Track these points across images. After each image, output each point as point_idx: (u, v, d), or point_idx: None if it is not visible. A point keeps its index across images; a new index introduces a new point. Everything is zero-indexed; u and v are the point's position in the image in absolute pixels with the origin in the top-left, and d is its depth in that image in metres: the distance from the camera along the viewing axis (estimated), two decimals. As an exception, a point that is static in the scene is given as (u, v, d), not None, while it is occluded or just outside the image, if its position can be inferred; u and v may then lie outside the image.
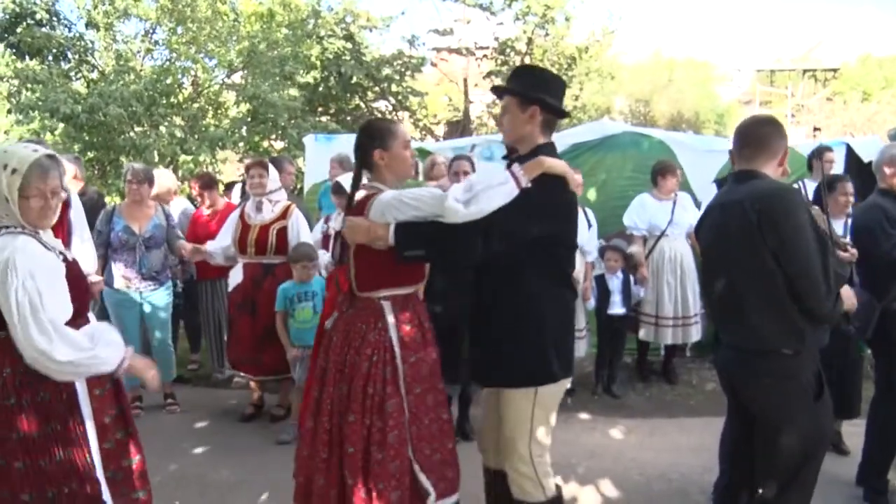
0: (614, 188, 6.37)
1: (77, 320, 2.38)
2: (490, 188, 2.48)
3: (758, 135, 2.73)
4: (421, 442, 2.73)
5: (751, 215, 2.54)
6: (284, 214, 4.98)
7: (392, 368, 2.71)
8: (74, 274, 2.44)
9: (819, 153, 5.82)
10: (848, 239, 4.13)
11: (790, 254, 2.49)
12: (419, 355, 2.77)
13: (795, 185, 5.82)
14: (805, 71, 29.22)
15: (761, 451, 2.83)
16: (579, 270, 5.47)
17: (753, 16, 61.96)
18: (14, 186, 2.26)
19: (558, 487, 2.90)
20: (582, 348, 5.59)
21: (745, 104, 29.38)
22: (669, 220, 5.74)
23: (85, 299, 2.51)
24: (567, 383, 2.83)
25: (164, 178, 6.01)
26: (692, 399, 5.52)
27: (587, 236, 5.48)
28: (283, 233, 4.91)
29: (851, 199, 4.47)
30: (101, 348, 2.33)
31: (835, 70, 28.63)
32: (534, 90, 2.72)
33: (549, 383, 2.69)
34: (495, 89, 3.01)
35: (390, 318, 2.73)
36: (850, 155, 6.49)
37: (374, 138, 2.79)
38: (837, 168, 6.15)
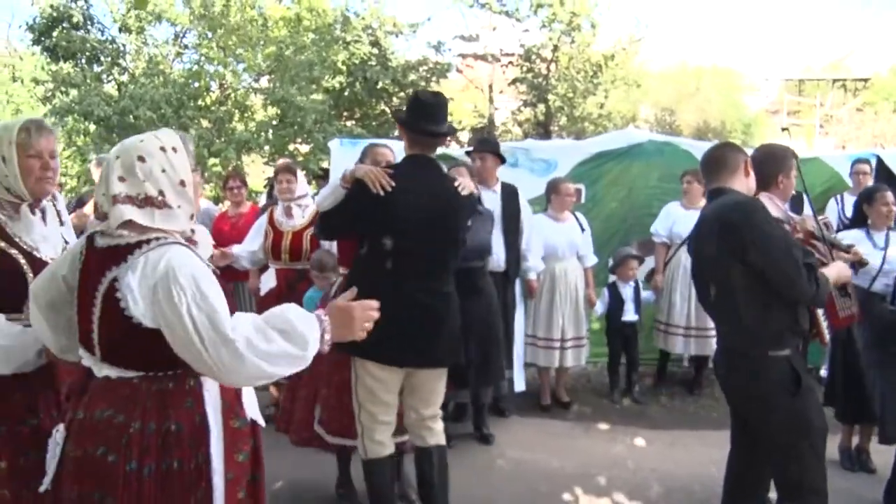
0: (640, 197, 6.34)
1: None
2: (327, 189, 3.31)
3: (714, 156, 3.04)
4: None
5: (714, 228, 2.84)
6: (314, 220, 5.01)
7: None
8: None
9: (851, 166, 5.79)
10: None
11: (760, 254, 2.70)
12: None
13: (832, 200, 5.86)
14: (835, 80, 28.80)
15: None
16: (579, 275, 5.55)
17: (782, 24, 61.38)
18: (186, 163, 1.96)
19: (379, 460, 3.31)
20: (582, 356, 5.62)
21: (773, 114, 29.05)
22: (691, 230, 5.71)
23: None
24: (384, 371, 3.22)
25: None
26: (715, 411, 5.47)
27: (581, 241, 5.55)
28: (315, 238, 4.95)
29: (894, 208, 4.40)
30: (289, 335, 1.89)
31: (865, 80, 28.19)
32: (403, 113, 3.32)
33: (357, 357, 3.21)
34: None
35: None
36: (881, 166, 6.40)
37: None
38: (869, 180, 6.07)
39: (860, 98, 27.14)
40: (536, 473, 4.32)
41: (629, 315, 5.68)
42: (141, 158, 1.88)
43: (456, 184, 3.26)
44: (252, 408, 2.11)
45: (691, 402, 5.79)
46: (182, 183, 1.93)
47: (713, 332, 5.64)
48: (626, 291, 5.69)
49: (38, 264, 2.30)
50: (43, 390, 2.32)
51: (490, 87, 15.08)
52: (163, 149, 1.92)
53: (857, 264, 3.96)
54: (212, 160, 10.94)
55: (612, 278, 5.89)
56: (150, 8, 11.59)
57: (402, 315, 3.10)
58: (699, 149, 6.56)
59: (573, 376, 5.98)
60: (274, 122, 11.88)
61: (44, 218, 2.53)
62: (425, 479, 3.39)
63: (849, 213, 5.64)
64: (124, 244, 1.86)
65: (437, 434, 3.41)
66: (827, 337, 3.12)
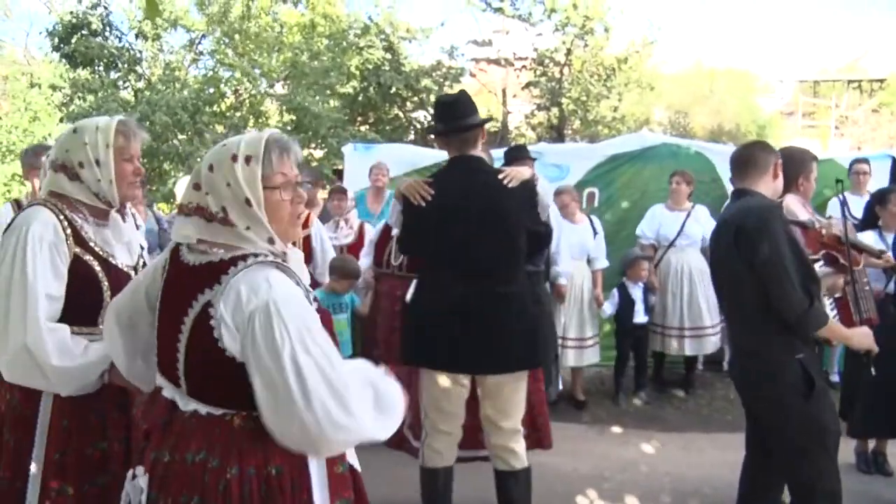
0: (652, 199, 6.34)
1: None
2: (391, 211, 3.38)
3: (745, 155, 3.02)
4: None
5: (731, 230, 2.83)
6: (306, 224, 5.05)
7: None
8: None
9: (850, 166, 5.79)
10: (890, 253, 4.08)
11: (762, 263, 2.71)
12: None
13: (835, 199, 5.84)
14: (850, 82, 28.60)
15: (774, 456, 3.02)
16: (585, 277, 5.62)
17: (797, 25, 60.93)
18: (256, 178, 1.61)
19: (433, 470, 3.29)
20: (592, 357, 5.68)
21: (788, 115, 28.88)
22: (679, 231, 5.75)
23: None
24: (443, 378, 3.16)
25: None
26: (729, 414, 5.46)
27: (592, 244, 5.62)
28: (308, 241, 4.97)
29: None
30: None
31: (881, 81, 27.93)
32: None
33: (418, 365, 3.23)
34: None
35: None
36: (895, 168, 6.38)
37: None
38: (880, 181, 6.04)
39: (876, 99, 26.92)
40: (550, 475, 4.32)
41: (639, 317, 5.71)
42: (210, 167, 1.64)
43: (501, 176, 3.12)
44: (351, 452, 1.84)
45: (705, 405, 5.78)
46: (248, 202, 1.60)
47: (708, 332, 5.74)
48: (636, 292, 5.71)
49: (113, 272, 2.18)
50: (112, 411, 2.18)
51: (503, 91, 15.10)
52: (234, 157, 1.62)
53: (891, 270, 3.95)
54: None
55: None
56: (165, 15, 11.72)
57: (456, 320, 3.04)
58: (713, 151, 6.60)
59: (586, 379, 5.99)
60: (288, 128, 11.97)
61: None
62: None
63: (853, 212, 5.62)
64: (217, 261, 1.60)
65: (520, 457, 3.26)
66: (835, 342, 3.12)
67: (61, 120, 11.56)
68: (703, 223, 5.77)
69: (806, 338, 2.85)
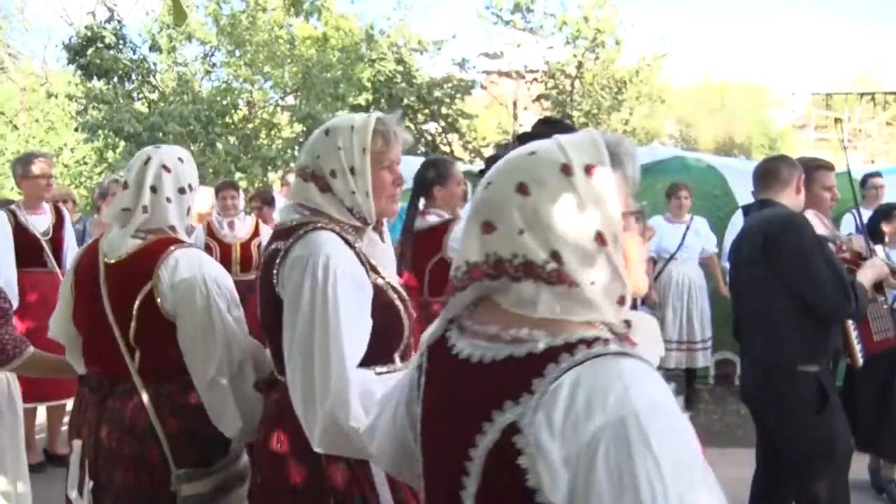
0: (663, 212, 6.34)
1: None
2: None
3: (769, 168, 3.04)
4: None
5: (758, 238, 2.82)
6: (257, 230, 5.26)
7: None
8: None
9: (864, 180, 5.76)
10: None
11: (795, 271, 2.71)
12: None
13: (849, 215, 5.80)
14: (863, 94, 28.49)
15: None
16: None
17: (809, 38, 60.87)
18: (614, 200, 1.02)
19: None
20: None
21: (800, 128, 28.80)
22: (679, 244, 5.73)
23: None
24: None
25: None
26: (740, 429, 5.41)
27: None
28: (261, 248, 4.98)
29: None
30: None
31: (895, 93, 27.85)
32: None
33: None
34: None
35: None
36: (908, 183, 6.33)
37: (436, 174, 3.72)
38: (892, 195, 5.99)
39: (889, 111, 26.80)
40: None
41: None
42: (523, 189, 1.00)
43: None
44: None
45: (716, 420, 5.74)
46: (600, 238, 0.97)
47: (699, 346, 5.72)
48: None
49: (401, 297, 1.79)
50: None
51: (514, 103, 15.15)
52: (566, 169, 0.98)
53: None
54: (238, 174, 11.14)
55: None
56: (181, 28, 11.86)
57: None
58: (724, 165, 6.59)
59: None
60: (300, 139, 12.05)
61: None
62: None
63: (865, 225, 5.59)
64: (524, 355, 0.95)
65: None
66: (860, 361, 3.09)
67: (76, 129, 11.68)
68: (702, 235, 5.77)
69: (859, 316, 2.89)
